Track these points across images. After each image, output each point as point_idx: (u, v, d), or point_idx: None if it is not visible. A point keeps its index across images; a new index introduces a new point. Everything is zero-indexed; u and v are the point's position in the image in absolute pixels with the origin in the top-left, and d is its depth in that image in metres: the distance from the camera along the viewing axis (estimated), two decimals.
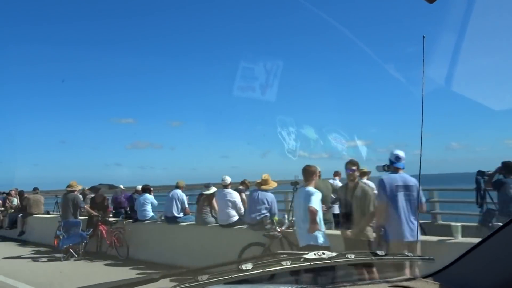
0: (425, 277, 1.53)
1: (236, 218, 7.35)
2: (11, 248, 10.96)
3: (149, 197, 9.11)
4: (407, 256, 1.60)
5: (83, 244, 9.14)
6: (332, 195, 6.56)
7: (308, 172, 5.30)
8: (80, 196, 10.12)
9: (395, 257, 1.58)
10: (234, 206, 7.39)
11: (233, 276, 1.28)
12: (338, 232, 5.51)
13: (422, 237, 5.33)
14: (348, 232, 5.04)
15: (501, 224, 1.40)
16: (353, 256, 1.47)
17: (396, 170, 4.81)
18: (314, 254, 1.41)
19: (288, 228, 6.42)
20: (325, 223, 5.35)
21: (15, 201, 13.77)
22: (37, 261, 9.04)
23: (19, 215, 12.49)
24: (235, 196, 7.49)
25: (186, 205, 8.49)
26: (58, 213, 13.29)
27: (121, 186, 11.11)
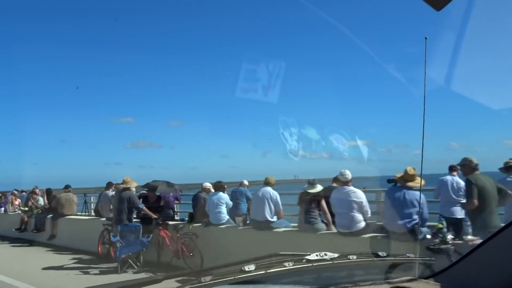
0: (426, 278, 1.54)
1: (363, 224, 5.90)
2: (45, 255, 9.43)
3: (224, 196, 7.71)
4: (409, 257, 1.61)
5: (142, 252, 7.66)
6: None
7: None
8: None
9: (396, 258, 1.59)
10: (361, 208, 5.92)
11: (236, 277, 1.29)
12: None
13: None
14: None
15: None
16: (354, 257, 1.48)
17: None
18: (316, 255, 1.42)
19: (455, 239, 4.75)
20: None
21: (41, 200, 12.29)
22: (87, 273, 7.44)
23: (48, 216, 11.09)
24: (360, 195, 5.99)
25: (281, 207, 6.97)
26: (86, 214, 12.30)
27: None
